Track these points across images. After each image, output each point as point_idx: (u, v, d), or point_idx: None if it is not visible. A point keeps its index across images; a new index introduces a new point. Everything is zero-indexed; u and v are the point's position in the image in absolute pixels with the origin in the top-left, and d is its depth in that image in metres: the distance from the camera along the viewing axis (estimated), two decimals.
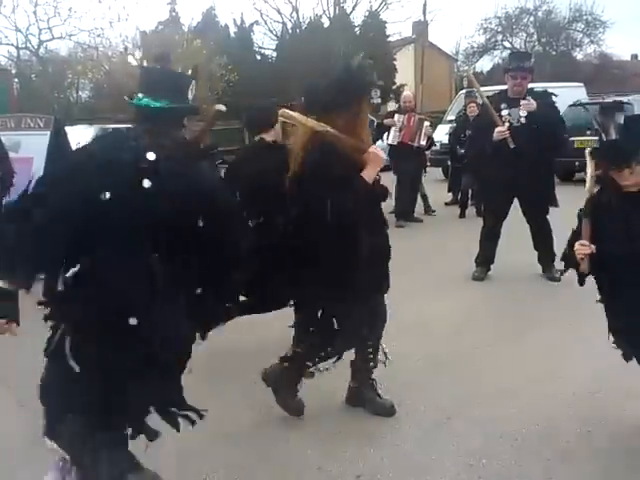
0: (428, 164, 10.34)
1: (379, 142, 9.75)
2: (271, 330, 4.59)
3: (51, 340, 2.21)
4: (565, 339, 4.27)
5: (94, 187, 2.11)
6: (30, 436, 3.07)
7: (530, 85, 5.71)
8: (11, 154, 6.21)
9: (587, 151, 3.09)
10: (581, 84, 16.57)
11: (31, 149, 6.53)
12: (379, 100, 22.25)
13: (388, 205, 8.91)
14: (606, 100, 13.55)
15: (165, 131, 2.30)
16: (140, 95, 2.32)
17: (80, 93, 19.53)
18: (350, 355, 3.29)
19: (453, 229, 8.54)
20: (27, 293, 2.14)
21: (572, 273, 5.54)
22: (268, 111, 3.80)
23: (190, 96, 2.39)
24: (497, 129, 5.35)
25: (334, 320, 3.01)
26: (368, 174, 2.89)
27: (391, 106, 21.17)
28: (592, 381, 3.62)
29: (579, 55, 31.98)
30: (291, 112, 3.01)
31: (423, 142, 8.74)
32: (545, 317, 4.67)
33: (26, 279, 2.13)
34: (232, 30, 23.61)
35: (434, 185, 11.06)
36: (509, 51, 29.60)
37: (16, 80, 18.14)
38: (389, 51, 27.29)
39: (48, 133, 6.50)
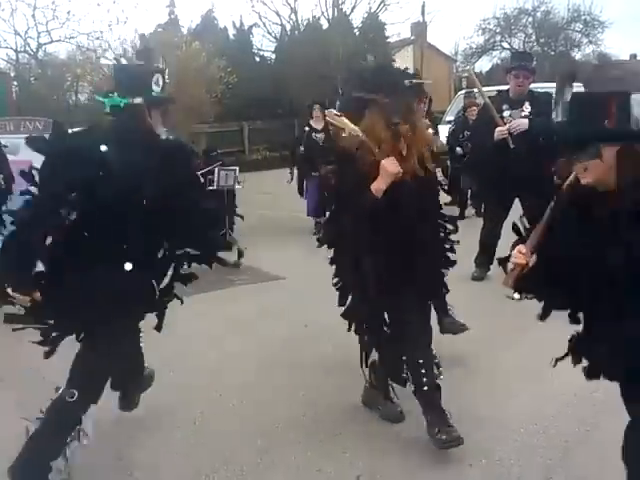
0: None
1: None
2: (268, 331, 4.60)
3: None
4: (565, 339, 4.26)
5: (69, 181, 2.48)
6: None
7: (533, 85, 5.72)
8: (10, 157, 6.21)
9: None
10: (580, 84, 16.57)
11: (30, 152, 6.52)
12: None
13: None
14: None
15: (128, 124, 2.59)
16: (111, 94, 2.62)
17: (79, 96, 19.54)
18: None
19: None
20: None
21: None
22: None
23: (156, 88, 2.64)
24: (498, 129, 5.35)
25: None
26: (376, 187, 2.83)
27: None
28: (592, 381, 3.61)
29: (578, 55, 31.98)
30: (334, 112, 3.06)
31: None
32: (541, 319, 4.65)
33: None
34: (231, 32, 23.59)
35: None
36: (508, 52, 29.64)
37: (15, 83, 18.16)
38: (388, 52, 27.30)
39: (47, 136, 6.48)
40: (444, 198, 10.76)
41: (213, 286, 5.94)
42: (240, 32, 23.50)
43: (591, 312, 2.18)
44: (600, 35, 30.67)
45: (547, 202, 5.82)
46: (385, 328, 3.06)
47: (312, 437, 3.10)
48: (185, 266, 2.89)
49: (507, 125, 5.38)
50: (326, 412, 3.34)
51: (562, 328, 4.48)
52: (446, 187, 4.83)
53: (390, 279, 2.91)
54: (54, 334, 2.60)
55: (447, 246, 3.23)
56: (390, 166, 2.83)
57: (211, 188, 7.46)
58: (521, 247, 2.23)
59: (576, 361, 2.39)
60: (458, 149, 8.74)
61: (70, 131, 2.93)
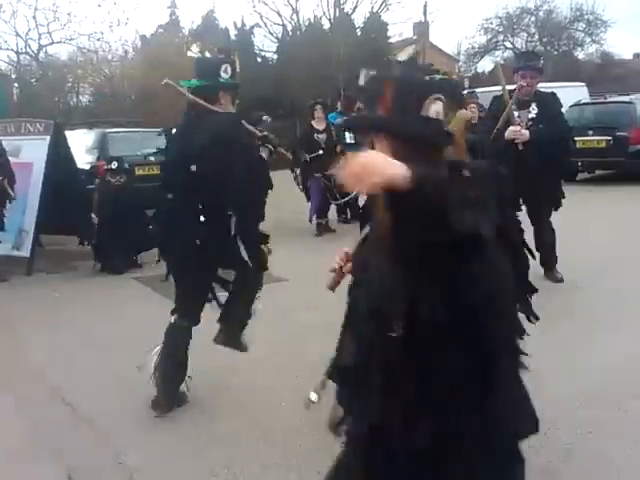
0: None
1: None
2: (270, 333, 4.58)
3: None
4: (568, 340, 4.25)
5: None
6: (30, 444, 3.08)
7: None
8: (11, 159, 6.23)
9: None
10: (583, 84, 16.54)
11: (31, 154, 6.54)
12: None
13: None
14: (608, 100, 13.57)
15: (201, 102, 3.19)
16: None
17: (80, 97, 19.58)
18: None
19: None
20: None
21: (577, 275, 5.58)
22: None
23: (224, 75, 3.24)
24: (511, 128, 5.27)
25: None
26: None
27: None
28: (594, 382, 3.60)
29: (581, 55, 31.96)
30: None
31: None
32: (548, 318, 4.62)
33: None
34: (232, 33, 23.64)
35: None
36: (511, 51, 29.60)
37: (16, 85, 18.20)
38: (390, 52, 27.29)
39: (48, 138, 6.50)
40: None
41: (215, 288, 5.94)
42: (241, 32, 23.53)
43: None
44: (603, 34, 30.71)
45: (551, 204, 5.79)
46: None
47: (313, 440, 3.09)
48: None
49: (519, 127, 5.30)
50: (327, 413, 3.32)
51: (566, 330, 4.50)
52: None
53: None
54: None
55: None
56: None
57: None
58: (346, 249, 2.06)
59: None
60: None
61: None
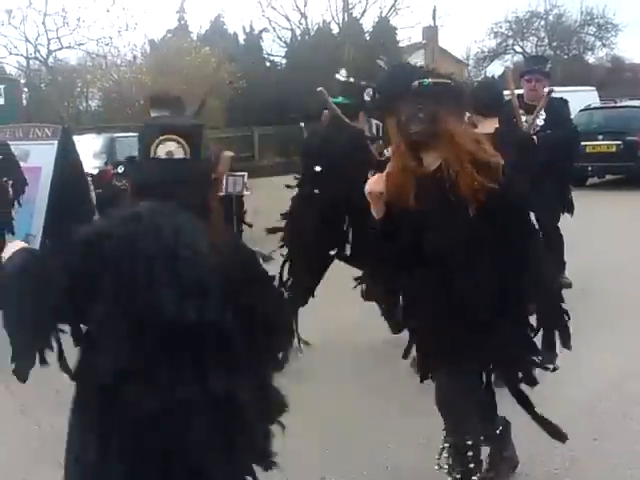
0: None
1: (386, 151, 9.75)
2: None
3: None
4: (574, 345, 4.20)
5: None
6: (32, 448, 3.08)
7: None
8: (20, 163, 6.26)
9: None
10: (593, 88, 16.45)
11: (39, 158, 6.58)
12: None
13: None
14: (618, 104, 13.49)
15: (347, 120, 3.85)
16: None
17: (90, 102, 19.69)
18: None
19: None
20: None
21: (583, 282, 5.53)
22: None
23: (366, 97, 3.86)
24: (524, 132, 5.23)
25: None
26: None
27: None
28: (600, 389, 3.57)
29: (591, 59, 31.81)
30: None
31: None
32: None
33: None
34: (241, 37, 23.69)
35: None
36: (520, 55, 29.48)
37: (26, 90, 18.33)
38: (400, 57, 27.28)
39: (56, 142, 6.54)
40: None
41: None
42: (250, 37, 23.56)
43: None
44: (613, 38, 30.52)
45: (559, 210, 5.72)
46: None
47: (315, 445, 3.08)
48: None
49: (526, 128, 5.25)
50: (328, 421, 3.31)
51: (572, 336, 4.43)
52: None
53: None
54: None
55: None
56: (370, 185, 2.36)
57: (219, 194, 7.49)
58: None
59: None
60: None
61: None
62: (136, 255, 1.45)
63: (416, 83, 2.24)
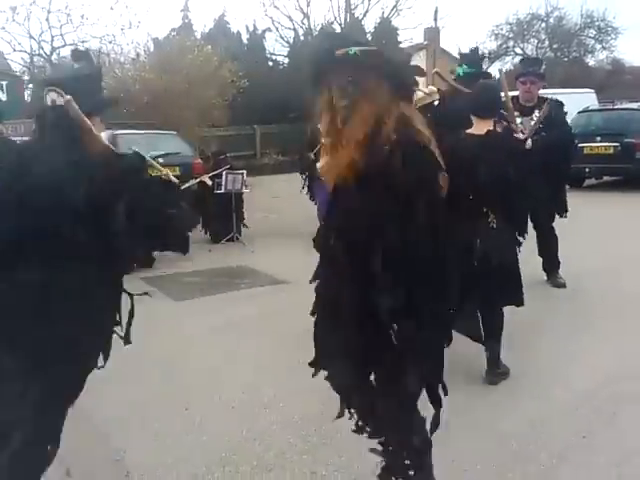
0: None
1: None
2: (268, 334, 4.62)
3: None
4: (565, 344, 4.27)
5: None
6: None
7: (542, 91, 5.65)
8: None
9: None
10: (592, 90, 16.50)
11: None
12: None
13: None
14: (617, 106, 13.52)
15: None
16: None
17: None
18: None
19: None
20: None
21: (577, 281, 5.59)
22: None
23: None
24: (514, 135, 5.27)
25: None
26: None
27: None
28: (591, 387, 3.61)
29: (591, 61, 31.84)
30: None
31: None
32: (547, 321, 4.67)
33: None
34: (244, 37, 23.74)
35: None
36: (520, 57, 29.48)
37: (30, 86, 18.36)
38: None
39: None
40: None
41: (217, 289, 6.00)
42: (253, 36, 23.62)
43: None
44: (613, 41, 30.56)
45: (554, 210, 5.75)
46: None
47: (308, 440, 3.12)
48: None
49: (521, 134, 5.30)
50: (321, 415, 3.36)
51: (564, 333, 4.51)
52: None
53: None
54: None
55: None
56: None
57: (219, 192, 7.55)
58: None
59: None
60: None
61: None
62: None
63: (340, 52, 2.02)
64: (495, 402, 3.49)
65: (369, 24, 25.57)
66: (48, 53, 20.42)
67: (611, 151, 11.58)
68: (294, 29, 25.17)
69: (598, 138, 11.65)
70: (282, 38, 25.28)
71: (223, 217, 7.60)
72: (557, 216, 5.63)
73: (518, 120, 5.45)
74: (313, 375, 2.37)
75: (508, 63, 31.25)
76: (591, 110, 12.88)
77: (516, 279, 3.76)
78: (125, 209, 2.14)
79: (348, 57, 2.01)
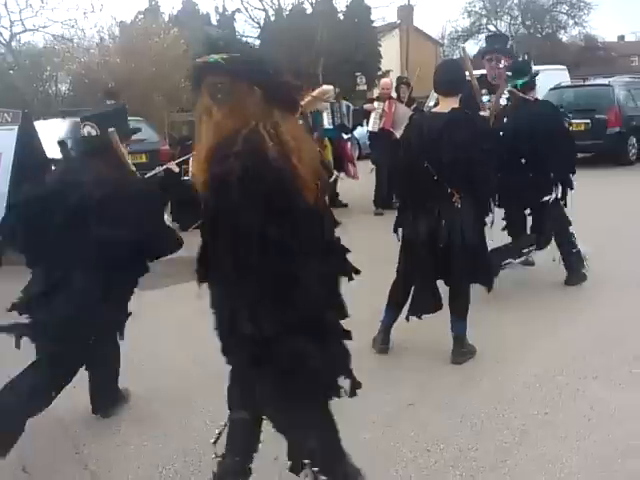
0: None
1: (359, 128, 9.72)
2: None
3: None
4: (533, 321, 4.29)
5: None
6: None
7: None
8: None
9: None
10: (564, 67, 16.53)
11: (0, 143, 6.46)
12: (365, 86, 22.13)
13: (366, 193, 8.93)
14: (587, 83, 13.58)
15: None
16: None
17: (59, 86, 19.29)
18: None
19: None
20: None
21: (544, 258, 5.61)
22: None
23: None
24: (480, 114, 5.24)
25: None
26: None
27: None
28: (554, 363, 3.64)
29: (564, 37, 31.96)
30: None
31: (399, 133, 8.67)
32: (511, 301, 4.67)
33: None
34: (214, 18, 23.43)
35: None
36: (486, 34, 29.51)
37: None
38: (374, 36, 27.13)
39: (16, 127, 6.42)
40: None
41: (186, 278, 5.91)
42: (223, 18, 23.31)
43: None
44: (586, 17, 30.69)
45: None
46: None
47: (269, 427, 3.09)
48: None
49: (488, 112, 5.28)
50: None
51: (528, 312, 4.53)
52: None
53: None
54: None
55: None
56: None
57: (186, 178, 7.41)
58: None
59: None
60: None
61: None
62: None
63: (201, 60, 1.95)
64: (459, 381, 3.49)
65: (341, 3, 25.37)
66: (7, 39, 19.91)
67: (582, 128, 11.63)
68: (264, 10, 24.90)
69: (570, 115, 11.68)
70: (252, 19, 25.01)
71: (191, 204, 7.47)
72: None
73: (486, 98, 5.43)
74: None
75: (481, 41, 31.23)
76: (562, 87, 12.91)
77: (483, 259, 3.75)
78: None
79: (209, 65, 1.94)
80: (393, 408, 3.24)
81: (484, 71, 5.76)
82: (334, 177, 8.54)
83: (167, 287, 5.66)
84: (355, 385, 2.17)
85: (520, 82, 4.99)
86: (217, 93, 1.95)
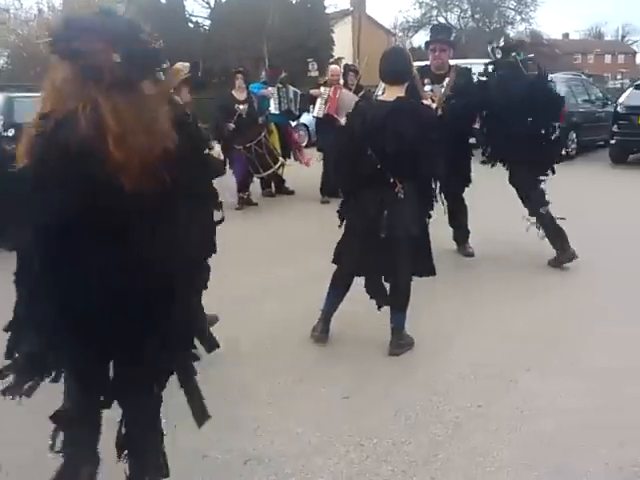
0: None
1: (305, 114, 9.62)
2: None
3: None
4: (471, 312, 4.32)
5: None
6: None
7: (462, 61, 5.64)
8: None
9: None
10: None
11: None
12: (317, 73, 21.95)
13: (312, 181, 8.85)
14: None
15: None
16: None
17: None
18: None
19: None
20: None
21: (485, 249, 5.68)
22: None
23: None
24: (423, 102, 5.24)
25: None
26: None
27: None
28: (490, 355, 3.66)
29: (512, 33, 32.55)
30: None
31: (343, 119, 8.61)
32: (448, 291, 4.69)
33: None
34: None
35: None
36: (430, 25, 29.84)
37: None
38: (326, 23, 26.98)
39: None
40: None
41: None
42: None
43: None
44: (532, 13, 31.36)
45: (464, 181, 5.81)
46: None
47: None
48: None
49: (430, 101, 5.29)
50: (213, 398, 3.25)
51: (462, 303, 4.54)
52: None
53: None
54: None
55: None
56: None
57: None
58: None
59: None
60: None
61: None
62: None
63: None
64: (396, 373, 3.48)
65: None
66: None
67: None
68: None
69: None
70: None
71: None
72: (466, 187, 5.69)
73: (428, 87, 5.43)
74: None
75: None
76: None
77: (425, 250, 3.73)
78: None
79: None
80: (328, 401, 3.20)
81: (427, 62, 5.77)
82: (279, 163, 8.48)
83: None
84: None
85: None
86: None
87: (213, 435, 2.75)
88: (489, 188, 6.45)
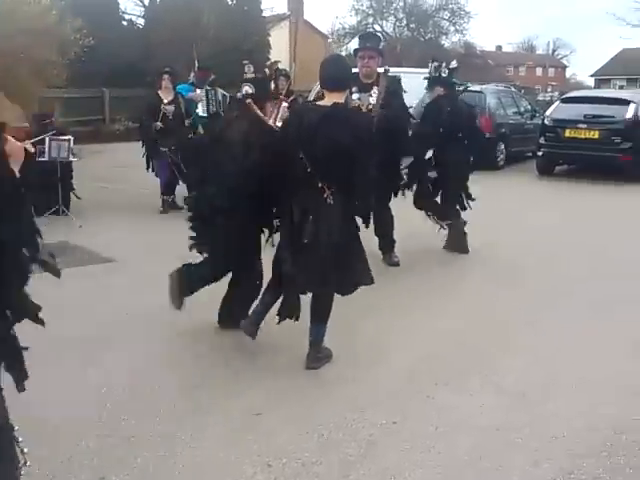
0: None
1: None
2: (85, 318, 4.20)
3: None
4: (387, 326, 4.27)
5: None
6: None
7: (398, 70, 5.62)
8: None
9: None
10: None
11: None
12: (252, 75, 21.69)
13: None
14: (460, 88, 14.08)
15: None
16: None
17: None
18: None
19: None
20: None
21: (410, 259, 5.68)
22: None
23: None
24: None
25: None
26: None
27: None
28: (407, 369, 3.61)
29: (446, 43, 33.32)
30: None
31: (279, 124, 8.48)
32: (381, 302, 4.61)
33: None
34: None
35: None
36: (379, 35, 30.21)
37: None
38: (263, 26, 26.79)
39: None
40: None
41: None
42: None
43: None
44: (466, 25, 32.15)
45: (389, 191, 5.80)
46: None
47: (108, 436, 2.81)
48: None
49: (358, 105, 5.24)
50: (129, 396, 3.07)
51: (380, 316, 4.47)
52: None
53: None
54: None
55: None
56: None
57: (42, 159, 6.81)
58: None
59: None
60: None
61: None
62: None
63: None
64: (312, 389, 3.37)
65: None
66: None
67: None
68: None
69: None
70: None
71: (46, 188, 6.86)
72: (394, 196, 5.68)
73: (356, 96, 5.38)
74: None
75: None
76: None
77: (354, 259, 3.61)
78: None
79: None
80: (239, 418, 3.06)
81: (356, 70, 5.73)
82: None
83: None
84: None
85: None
86: None
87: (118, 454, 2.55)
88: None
